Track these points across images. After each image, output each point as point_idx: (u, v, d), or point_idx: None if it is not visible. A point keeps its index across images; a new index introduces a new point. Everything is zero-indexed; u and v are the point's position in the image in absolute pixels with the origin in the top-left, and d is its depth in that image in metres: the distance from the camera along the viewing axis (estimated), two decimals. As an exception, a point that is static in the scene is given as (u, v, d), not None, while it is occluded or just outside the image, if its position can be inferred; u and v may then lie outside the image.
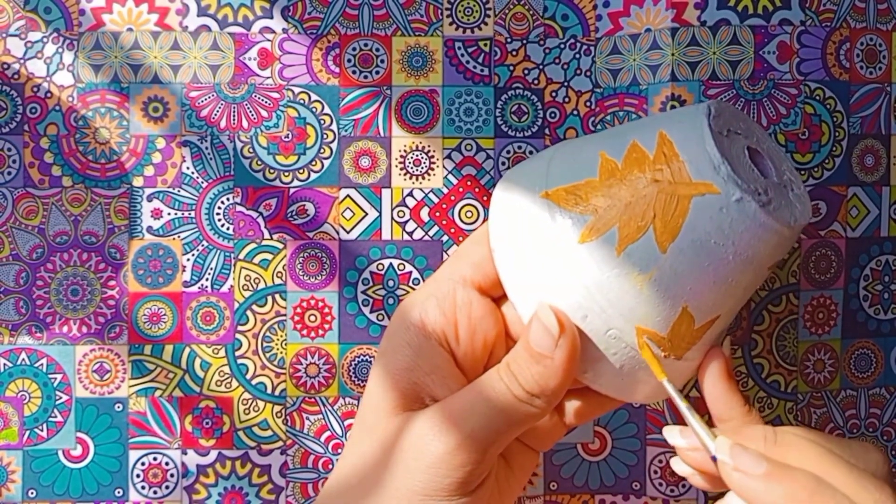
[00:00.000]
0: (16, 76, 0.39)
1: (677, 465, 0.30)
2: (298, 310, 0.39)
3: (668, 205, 0.27)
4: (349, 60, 0.39)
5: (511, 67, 0.39)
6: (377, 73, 0.39)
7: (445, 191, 0.39)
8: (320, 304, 0.39)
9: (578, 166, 0.30)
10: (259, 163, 0.39)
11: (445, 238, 0.39)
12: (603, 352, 0.29)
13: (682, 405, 0.28)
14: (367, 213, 0.39)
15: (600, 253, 0.28)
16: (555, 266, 0.28)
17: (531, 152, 0.40)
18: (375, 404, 0.31)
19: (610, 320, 0.28)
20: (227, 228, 0.39)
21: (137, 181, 0.39)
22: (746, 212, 0.27)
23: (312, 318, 0.39)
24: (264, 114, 0.39)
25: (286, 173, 0.39)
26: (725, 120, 0.29)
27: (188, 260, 0.39)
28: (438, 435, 0.28)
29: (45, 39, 0.39)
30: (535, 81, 0.39)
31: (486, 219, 0.40)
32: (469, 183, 0.39)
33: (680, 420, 0.34)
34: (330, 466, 0.40)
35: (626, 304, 0.28)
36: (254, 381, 0.39)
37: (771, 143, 0.31)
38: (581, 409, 0.33)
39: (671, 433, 0.29)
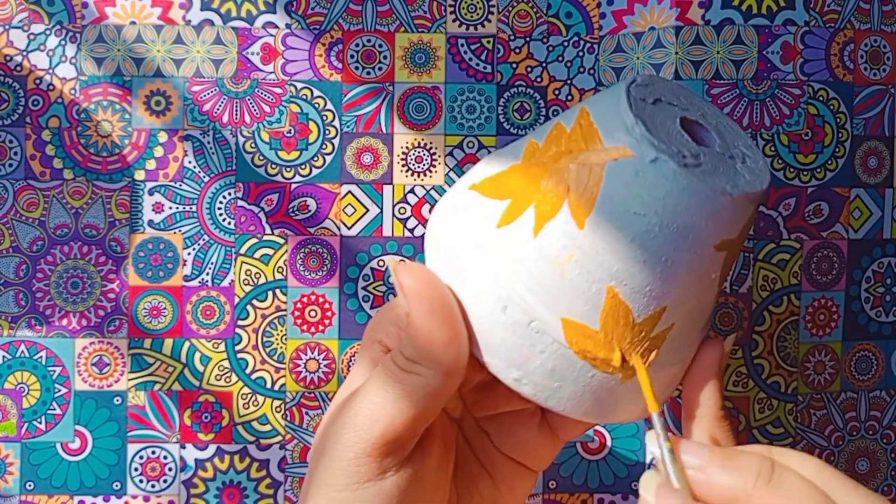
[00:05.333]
0: (18, 68, 0.39)
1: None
2: (299, 305, 0.39)
3: (581, 175, 0.25)
4: (352, 56, 0.39)
5: (514, 65, 0.39)
6: (380, 69, 0.39)
7: (447, 188, 0.39)
8: (320, 299, 0.39)
9: (506, 155, 0.28)
10: (261, 158, 0.39)
11: (446, 235, 0.39)
12: (528, 349, 0.25)
13: (665, 447, 0.24)
14: (368, 210, 0.39)
15: (517, 235, 0.25)
16: (476, 256, 0.26)
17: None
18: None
19: (531, 311, 0.25)
20: (229, 223, 0.39)
21: (139, 175, 0.39)
22: (665, 174, 0.24)
23: (313, 313, 0.39)
24: (267, 109, 0.39)
25: (288, 169, 0.39)
26: (656, 90, 0.27)
27: (189, 254, 0.39)
28: (338, 415, 0.27)
29: (47, 32, 0.39)
30: (538, 79, 0.39)
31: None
32: (471, 180, 0.39)
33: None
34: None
35: (548, 291, 0.25)
36: (253, 376, 0.39)
37: (726, 121, 0.28)
38: (558, 422, 0.31)
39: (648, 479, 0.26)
